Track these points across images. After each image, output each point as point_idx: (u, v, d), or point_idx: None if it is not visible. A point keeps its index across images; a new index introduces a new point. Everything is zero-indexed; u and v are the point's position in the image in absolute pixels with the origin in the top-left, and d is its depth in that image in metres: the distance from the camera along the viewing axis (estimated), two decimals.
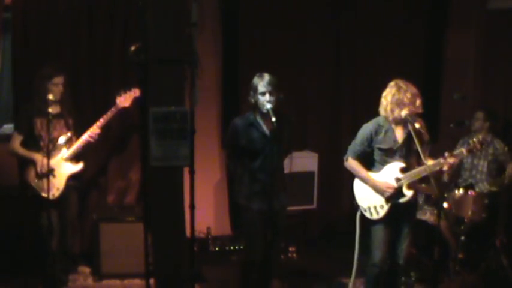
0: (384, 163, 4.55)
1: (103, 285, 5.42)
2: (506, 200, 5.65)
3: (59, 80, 4.99)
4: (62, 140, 5.07)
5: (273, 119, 4.31)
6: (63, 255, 5.17)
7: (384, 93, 4.51)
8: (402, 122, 4.47)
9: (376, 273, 4.58)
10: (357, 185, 4.69)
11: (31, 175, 4.99)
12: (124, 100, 5.20)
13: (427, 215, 5.51)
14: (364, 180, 4.62)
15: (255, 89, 4.46)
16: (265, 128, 4.51)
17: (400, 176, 4.50)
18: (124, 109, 5.23)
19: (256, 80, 4.48)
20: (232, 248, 6.17)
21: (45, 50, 5.58)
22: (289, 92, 6.15)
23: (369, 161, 4.64)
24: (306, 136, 6.53)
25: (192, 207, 3.82)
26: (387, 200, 4.52)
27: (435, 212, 5.30)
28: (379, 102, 4.55)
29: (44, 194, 4.85)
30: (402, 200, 4.51)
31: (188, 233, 3.91)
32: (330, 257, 6.16)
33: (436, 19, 6.75)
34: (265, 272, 4.67)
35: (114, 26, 5.75)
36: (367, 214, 4.62)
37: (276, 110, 4.37)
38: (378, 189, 4.54)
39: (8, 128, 5.93)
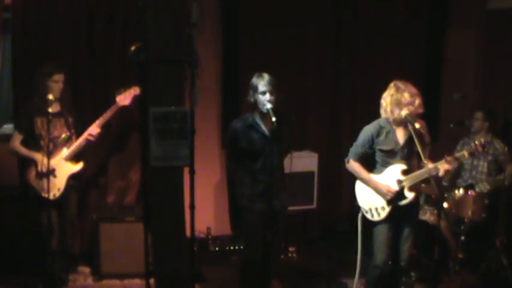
0: (385, 164, 4.55)
1: (103, 285, 5.42)
2: (506, 200, 5.65)
3: (59, 77, 4.98)
4: (62, 139, 5.06)
5: (273, 118, 4.30)
6: (63, 254, 5.17)
7: (384, 95, 4.52)
8: (403, 123, 4.47)
9: (377, 275, 4.58)
10: (359, 186, 4.69)
11: (32, 175, 4.99)
12: (124, 98, 5.20)
13: (427, 215, 5.51)
14: (365, 182, 4.62)
15: (255, 89, 4.45)
16: (264, 129, 4.51)
17: (402, 178, 4.50)
18: (124, 107, 5.23)
19: (255, 79, 4.47)
20: (232, 248, 6.16)
21: (45, 50, 5.58)
22: (289, 92, 6.17)
23: (370, 163, 4.64)
24: (306, 136, 6.53)
25: (192, 207, 3.82)
26: (389, 201, 4.52)
27: (435, 212, 5.31)
28: (379, 102, 4.56)
29: (45, 195, 4.85)
30: (403, 202, 4.51)
31: (188, 233, 3.91)
32: (330, 257, 6.16)
33: (436, 19, 6.75)
34: (265, 272, 4.67)
35: (114, 26, 5.74)
36: (368, 216, 4.62)
37: (275, 109, 4.38)
38: (379, 192, 4.54)
39: (8, 128, 5.93)
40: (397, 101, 4.42)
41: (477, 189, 5.67)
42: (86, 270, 5.63)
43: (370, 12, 6.51)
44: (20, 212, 5.37)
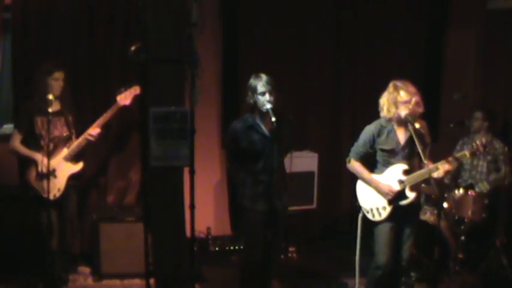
0: (386, 164, 4.55)
1: (103, 285, 5.42)
2: (506, 200, 5.65)
3: (59, 75, 4.97)
4: (62, 139, 5.06)
5: (273, 118, 4.31)
6: (63, 254, 5.17)
7: (382, 94, 4.53)
8: (404, 123, 4.47)
9: (379, 275, 4.57)
10: (360, 186, 4.69)
11: (32, 176, 4.98)
12: (125, 98, 5.19)
13: (427, 215, 5.51)
14: (367, 182, 4.62)
15: (254, 90, 4.46)
16: (264, 129, 4.51)
17: (403, 178, 4.49)
18: (124, 107, 5.23)
19: (254, 80, 4.48)
20: (232, 248, 6.17)
21: (45, 50, 5.58)
22: (289, 92, 6.19)
23: (371, 163, 4.64)
24: (306, 136, 6.53)
25: (192, 207, 3.82)
26: (390, 201, 4.51)
27: (435, 212, 5.31)
28: (379, 102, 4.56)
29: (45, 195, 4.84)
30: (405, 202, 4.51)
31: (188, 233, 3.91)
32: (330, 257, 6.16)
33: (436, 19, 6.75)
34: (265, 272, 4.67)
35: (115, 26, 5.74)
36: (369, 216, 4.62)
37: (275, 109, 4.38)
38: (380, 191, 4.54)
39: (8, 128, 5.92)
40: (393, 100, 4.43)
41: (477, 189, 5.67)
42: (86, 270, 5.63)
43: (370, 13, 6.51)
44: (20, 212, 5.37)
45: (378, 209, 4.57)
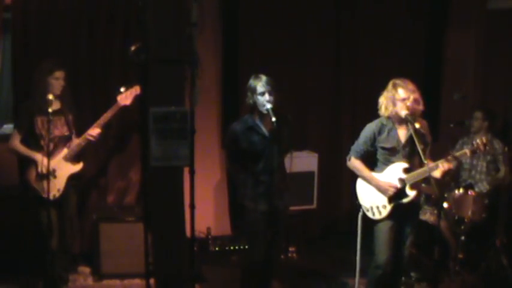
0: (387, 163, 4.55)
1: (103, 285, 5.42)
2: (506, 200, 5.65)
3: (59, 74, 4.97)
4: (62, 139, 5.06)
5: (273, 119, 4.32)
6: (63, 254, 5.17)
7: (382, 94, 4.53)
8: (404, 122, 4.48)
9: (379, 274, 4.57)
10: (360, 184, 4.69)
11: (32, 176, 4.98)
12: (125, 98, 5.19)
13: (427, 215, 5.51)
14: (367, 180, 4.62)
15: (254, 90, 4.46)
16: (264, 130, 4.52)
17: (403, 176, 4.49)
18: (125, 107, 5.22)
19: (253, 81, 4.49)
20: (232, 248, 6.17)
21: (45, 50, 5.57)
22: (289, 92, 6.20)
23: (371, 161, 4.64)
24: (306, 136, 6.53)
25: (192, 207, 3.82)
26: (390, 200, 4.51)
27: (435, 212, 5.31)
28: (378, 101, 4.57)
29: (45, 195, 4.84)
30: (405, 200, 4.51)
31: (188, 233, 3.91)
32: (330, 257, 6.16)
33: (436, 19, 6.75)
34: (265, 272, 4.68)
35: (115, 26, 5.74)
36: (369, 214, 4.62)
37: (274, 109, 4.38)
38: (380, 189, 4.54)
39: (8, 128, 5.93)
40: (391, 98, 4.44)
41: (476, 189, 5.68)
42: (86, 270, 5.63)
43: (370, 12, 6.51)
44: (20, 212, 5.37)
45: (378, 207, 4.57)
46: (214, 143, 6.27)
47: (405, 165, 4.51)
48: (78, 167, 5.15)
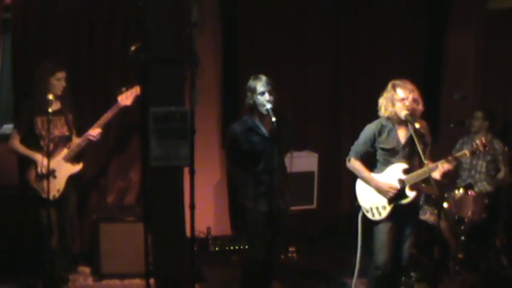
0: (386, 163, 4.55)
1: (103, 285, 5.42)
2: (506, 200, 5.65)
3: (61, 75, 4.96)
4: (62, 139, 5.06)
5: (273, 118, 4.32)
6: (64, 253, 5.17)
7: (381, 94, 4.53)
8: (404, 123, 4.47)
9: (379, 275, 4.57)
10: (359, 185, 4.69)
11: (32, 176, 4.97)
12: (125, 98, 5.18)
13: (427, 215, 5.51)
14: (366, 181, 4.61)
15: (254, 90, 4.46)
16: (264, 130, 4.52)
17: (403, 177, 4.49)
18: (125, 108, 5.22)
19: (253, 81, 4.49)
20: (232, 248, 6.17)
21: (45, 50, 5.57)
22: (289, 92, 6.20)
23: (371, 162, 4.64)
24: (306, 136, 6.52)
25: (192, 207, 3.82)
26: (389, 200, 4.51)
27: (435, 212, 5.31)
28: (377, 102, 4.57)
29: (45, 196, 4.84)
30: (405, 201, 4.50)
31: (188, 233, 3.91)
32: (330, 257, 6.16)
33: (437, 19, 6.75)
34: (266, 272, 4.67)
35: (114, 26, 5.74)
36: (369, 215, 4.61)
37: (274, 109, 4.38)
38: (380, 190, 4.53)
39: (8, 128, 5.92)
40: (391, 98, 4.44)
41: (476, 189, 5.68)
42: (86, 270, 5.63)
43: (370, 12, 6.51)
44: (20, 212, 5.37)
45: (377, 208, 4.56)
46: (214, 143, 6.27)
47: (405, 166, 4.50)
48: (78, 167, 5.15)
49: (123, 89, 5.20)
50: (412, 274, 5.35)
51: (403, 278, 5.07)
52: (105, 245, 5.41)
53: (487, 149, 4.59)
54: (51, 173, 4.84)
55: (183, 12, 3.76)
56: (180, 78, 3.78)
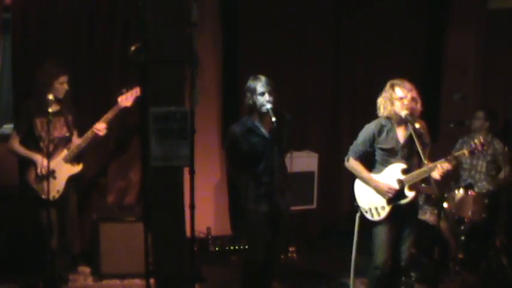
0: (385, 163, 4.55)
1: (103, 285, 5.42)
2: (506, 200, 5.65)
3: (64, 78, 4.96)
4: (62, 140, 5.06)
5: (273, 119, 4.32)
6: (63, 253, 5.17)
7: (380, 94, 4.53)
8: (403, 122, 4.47)
9: (378, 275, 4.57)
10: (358, 186, 4.68)
11: (32, 177, 4.97)
12: (126, 100, 5.18)
13: (427, 215, 5.51)
14: (365, 181, 4.61)
15: (253, 90, 4.47)
16: (264, 131, 4.52)
17: (402, 177, 4.49)
18: (126, 109, 5.22)
19: (252, 82, 4.49)
20: (232, 248, 6.17)
21: (45, 50, 5.57)
22: (289, 92, 6.20)
23: (369, 162, 4.63)
24: (306, 136, 6.53)
25: (192, 207, 3.82)
26: (389, 201, 4.51)
27: (435, 212, 5.31)
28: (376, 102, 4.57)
29: (44, 196, 4.84)
30: (404, 201, 4.50)
31: (188, 233, 3.91)
32: (330, 257, 6.16)
33: (436, 19, 6.75)
34: (266, 273, 4.67)
35: (114, 26, 5.74)
36: (368, 215, 4.61)
37: (274, 109, 4.39)
38: (379, 190, 4.53)
39: (8, 127, 5.93)
40: (389, 97, 4.44)
41: (476, 189, 5.68)
42: (86, 270, 5.63)
43: (370, 12, 6.51)
44: (20, 212, 5.37)
45: (376, 208, 4.56)
46: (214, 143, 6.27)
47: (404, 166, 4.50)
48: (77, 168, 5.14)
49: (123, 90, 5.20)
50: (412, 274, 5.35)
51: (403, 278, 5.07)
52: (105, 245, 5.41)
53: (485, 148, 4.58)
54: (51, 174, 4.84)
55: (183, 12, 3.76)
56: (180, 78, 3.78)
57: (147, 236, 3.93)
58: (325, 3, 6.45)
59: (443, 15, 6.74)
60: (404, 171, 4.49)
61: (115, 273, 5.41)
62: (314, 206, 6.18)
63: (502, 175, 5.72)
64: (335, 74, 6.60)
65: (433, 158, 4.53)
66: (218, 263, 5.92)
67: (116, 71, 5.78)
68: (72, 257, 5.44)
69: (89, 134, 5.08)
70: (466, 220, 5.46)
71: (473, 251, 5.60)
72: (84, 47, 5.71)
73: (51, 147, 4.86)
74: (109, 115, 5.16)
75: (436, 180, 4.41)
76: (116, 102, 5.19)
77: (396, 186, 4.49)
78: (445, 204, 5.51)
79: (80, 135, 5.13)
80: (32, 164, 4.97)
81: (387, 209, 4.52)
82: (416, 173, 4.47)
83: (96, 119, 5.16)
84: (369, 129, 4.58)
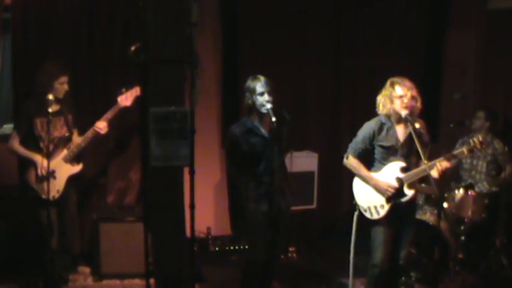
0: (384, 162, 4.54)
1: (103, 285, 5.42)
2: (506, 200, 5.65)
3: (65, 79, 4.97)
4: (61, 140, 5.06)
5: (273, 118, 4.32)
6: (64, 253, 5.17)
7: (380, 92, 4.54)
8: (403, 121, 4.47)
9: (376, 273, 4.57)
10: (357, 184, 4.68)
11: (32, 177, 4.98)
12: (125, 99, 5.19)
13: (427, 215, 5.51)
14: (365, 179, 4.60)
15: (253, 90, 4.47)
16: (263, 131, 4.53)
17: (401, 175, 4.49)
18: (125, 108, 5.22)
19: (252, 82, 4.50)
20: (232, 248, 6.17)
21: (45, 50, 5.57)
22: (289, 92, 6.20)
23: (368, 160, 4.63)
24: (306, 136, 6.53)
25: (192, 207, 3.82)
26: (388, 199, 4.51)
27: (435, 212, 5.31)
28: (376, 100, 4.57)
29: (44, 196, 4.84)
30: (403, 200, 4.50)
31: (188, 233, 3.91)
32: (330, 257, 6.15)
33: (437, 19, 6.75)
34: (266, 273, 4.67)
35: (114, 26, 5.74)
36: (367, 214, 4.61)
37: (274, 109, 4.39)
38: (379, 189, 4.53)
39: (8, 127, 5.92)
40: (389, 95, 4.44)
41: (476, 189, 5.68)
42: (86, 270, 5.63)
43: (370, 12, 6.51)
44: (20, 212, 5.37)
45: (375, 207, 4.56)
46: (214, 143, 6.27)
47: (403, 164, 4.50)
48: (77, 168, 5.15)
49: (123, 89, 5.20)
50: (412, 274, 5.35)
51: (403, 278, 5.07)
52: (105, 245, 5.41)
53: (484, 147, 4.57)
54: (50, 174, 4.84)
55: (183, 12, 3.76)
56: (180, 78, 3.78)
57: (147, 236, 3.94)
58: (325, 3, 6.44)
59: (443, 15, 6.74)
60: (404, 170, 4.49)
61: (115, 273, 5.42)
62: (314, 206, 6.18)
63: (502, 175, 5.72)
64: (335, 74, 6.60)
65: (433, 158, 4.52)
66: (218, 263, 5.92)
67: (116, 71, 5.78)
68: (72, 257, 5.44)
69: (89, 134, 5.09)
70: (466, 220, 5.46)
71: (473, 251, 5.60)
72: (84, 47, 5.71)
73: (51, 147, 4.86)
74: (109, 115, 5.16)
75: (434, 179, 4.40)
76: (115, 101, 5.19)
77: (395, 185, 4.49)
78: (445, 204, 5.51)
79: (80, 134, 5.13)
80: (32, 164, 4.97)
81: (386, 207, 4.52)
82: (416, 172, 4.46)
83: (96, 119, 5.16)
84: (369, 126, 4.58)
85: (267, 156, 4.49)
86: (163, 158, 3.76)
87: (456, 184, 5.85)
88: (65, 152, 5.07)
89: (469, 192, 5.54)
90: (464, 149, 4.53)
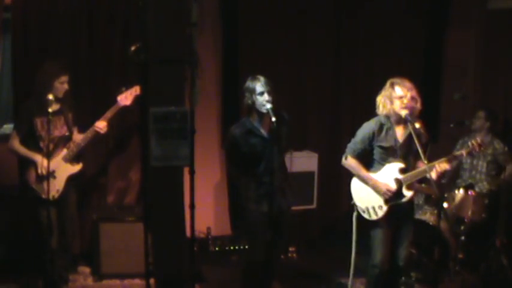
0: (383, 162, 4.54)
1: (103, 285, 5.42)
2: (506, 200, 5.65)
3: (65, 78, 4.97)
4: (62, 139, 5.06)
5: (273, 118, 4.32)
6: (64, 253, 5.17)
7: (379, 93, 4.53)
8: (402, 122, 4.47)
9: (376, 273, 4.57)
10: (355, 185, 4.67)
11: (32, 177, 4.97)
12: (125, 98, 5.18)
13: (427, 215, 5.51)
14: (364, 180, 4.60)
15: (253, 90, 4.47)
16: (263, 131, 4.53)
17: (400, 176, 4.49)
18: (125, 108, 5.22)
19: (251, 82, 4.50)
20: (232, 248, 6.17)
21: (45, 50, 5.57)
22: (289, 92, 6.20)
23: (367, 161, 4.63)
24: (306, 136, 6.53)
25: (192, 207, 3.83)
26: (386, 200, 4.51)
27: (435, 212, 5.31)
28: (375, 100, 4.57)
29: (44, 196, 4.84)
30: (401, 201, 4.50)
31: (188, 233, 3.91)
32: (330, 257, 6.15)
33: (436, 19, 6.75)
34: (266, 273, 4.67)
35: (114, 26, 5.74)
36: (365, 215, 4.60)
37: (273, 109, 4.39)
38: (378, 190, 4.52)
39: (8, 127, 5.93)
40: (389, 96, 4.44)
41: (477, 189, 5.68)
42: (86, 270, 5.63)
43: (370, 12, 6.51)
44: (20, 212, 5.37)
45: (374, 208, 4.55)
46: (214, 143, 6.27)
47: (401, 165, 4.50)
48: (77, 167, 5.14)
49: (123, 88, 5.20)
50: (412, 274, 5.35)
51: (403, 278, 5.07)
52: (105, 245, 5.41)
53: (482, 149, 4.57)
54: (50, 174, 4.84)
55: (183, 12, 3.77)
56: (180, 78, 3.78)
57: (147, 236, 3.94)
58: (325, 3, 6.44)
59: (443, 15, 6.74)
60: (402, 171, 4.49)
61: (115, 273, 5.41)
62: (314, 206, 6.18)
63: (503, 175, 5.70)
64: (335, 74, 6.60)
65: (433, 158, 4.52)
66: (218, 263, 5.92)
67: (115, 70, 5.78)
68: (72, 257, 5.44)
69: (89, 133, 5.09)
70: (466, 220, 5.46)
71: (473, 251, 5.60)
72: (84, 47, 5.71)
73: (51, 147, 4.86)
74: (108, 114, 5.16)
75: (433, 180, 4.40)
76: (115, 101, 5.19)
77: (394, 186, 4.49)
78: (445, 204, 5.51)
79: (80, 131, 5.12)
80: (32, 164, 4.97)
81: (385, 208, 4.51)
82: (415, 173, 4.47)
83: (96, 118, 5.16)
84: (368, 127, 4.57)
85: (267, 156, 4.49)
86: (163, 158, 3.76)
87: (456, 184, 5.85)
88: (64, 151, 5.07)
89: (469, 192, 5.54)
90: (463, 152, 4.55)
